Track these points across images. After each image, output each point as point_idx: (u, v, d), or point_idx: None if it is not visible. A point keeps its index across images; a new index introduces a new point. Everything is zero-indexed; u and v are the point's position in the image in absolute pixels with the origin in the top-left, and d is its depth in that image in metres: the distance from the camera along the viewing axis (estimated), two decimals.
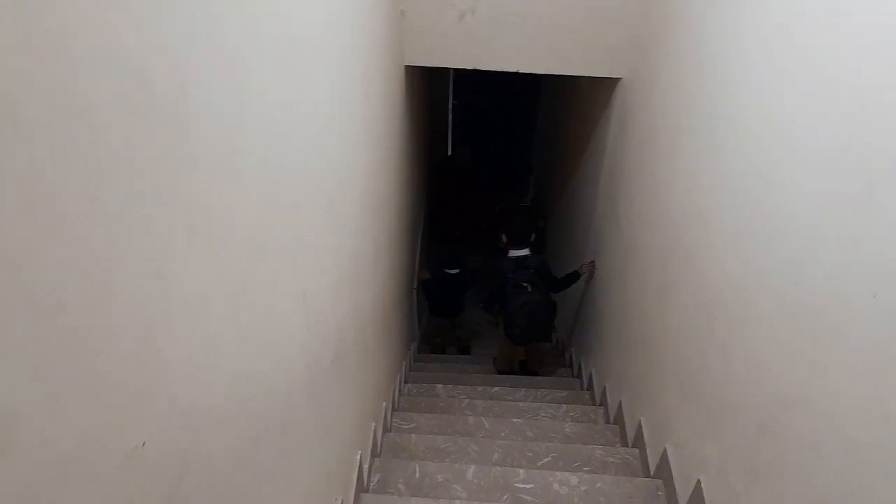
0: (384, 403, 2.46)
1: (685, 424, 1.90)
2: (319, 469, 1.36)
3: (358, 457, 1.84)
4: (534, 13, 2.80)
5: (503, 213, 5.81)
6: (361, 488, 1.88)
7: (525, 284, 3.19)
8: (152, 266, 0.57)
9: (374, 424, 2.16)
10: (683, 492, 1.86)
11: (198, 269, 0.66)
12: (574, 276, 3.44)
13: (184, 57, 0.61)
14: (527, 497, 2.00)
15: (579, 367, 3.59)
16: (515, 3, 2.79)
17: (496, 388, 3.29)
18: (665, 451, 2.03)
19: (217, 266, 0.72)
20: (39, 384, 0.43)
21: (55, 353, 0.44)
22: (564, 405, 2.98)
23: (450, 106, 7.16)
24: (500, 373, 3.83)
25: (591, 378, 3.25)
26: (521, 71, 2.98)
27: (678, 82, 2.16)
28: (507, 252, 3.38)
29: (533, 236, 3.41)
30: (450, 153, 7.20)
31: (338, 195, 1.42)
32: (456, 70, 6.80)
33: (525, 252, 3.34)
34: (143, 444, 0.57)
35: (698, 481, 1.74)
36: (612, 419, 2.73)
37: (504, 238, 3.39)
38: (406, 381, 3.39)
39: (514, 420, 2.71)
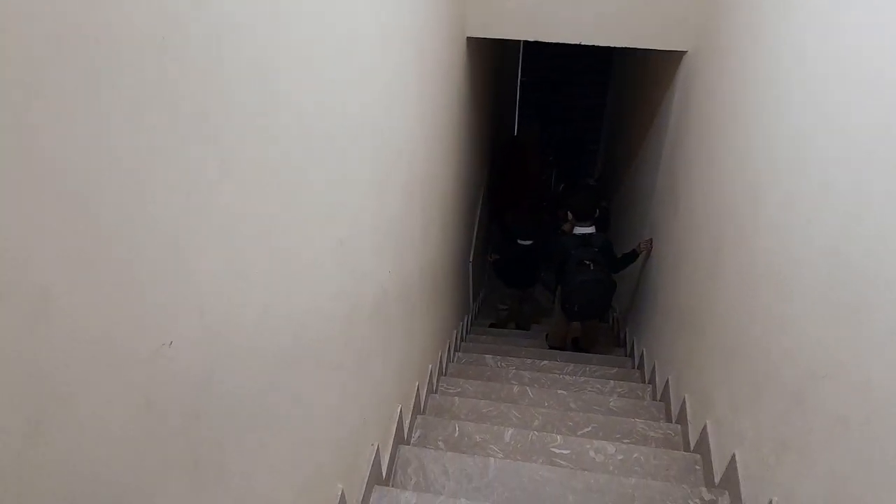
0: (430, 366, 2.54)
1: (725, 400, 1.89)
2: (355, 411, 1.44)
3: (398, 410, 1.93)
4: None
5: (567, 192, 5.76)
6: (401, 440, 1.98)
7: (588, 262, 3.18)
8: (182, 186, 0.64)
9: (417, 383, 2.25)
10: (720, 465, 1.85)
11: (227, 198, 0.74)
12: (633, 255, 3.41)
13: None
14: (562, 462, 2.04)
15: (632, 346, 3.57)
16: None
17: (545, 362, 3.32)
18: (705, 426, 2.03)
19: (247, 200, 0.79)
20: (72, 269, 0.51)
21: (87, 244, 0.52)
22: (612, 381, 2.98)
23: (518, 82, 7.12)
24: (551, 348, 3.86)
25: (642, 356, 3.24)
26: (584, 43, 2.95)
27: (735, 58, 2.11)
28: (571, 229, 3.38)
29: (597, 213, 3.39)
30: (516, 131, 7.17)
31: (383, 154, 1.48)
32: (526, 45, 6.77)
33: (590, 230, 3.33)
34: (171, 344, 0.65)
35: (733, 455, 1.74)
36: (658, 396, 2.72)
37: (569, 215, 3.40)
38: (457, 350, 3.47)
39: (560, 391, 2.74)
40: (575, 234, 3.31)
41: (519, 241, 4.00)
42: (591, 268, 3.16)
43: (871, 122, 1.16)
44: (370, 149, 1.37)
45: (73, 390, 0.52)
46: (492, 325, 4.79)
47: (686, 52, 2.90)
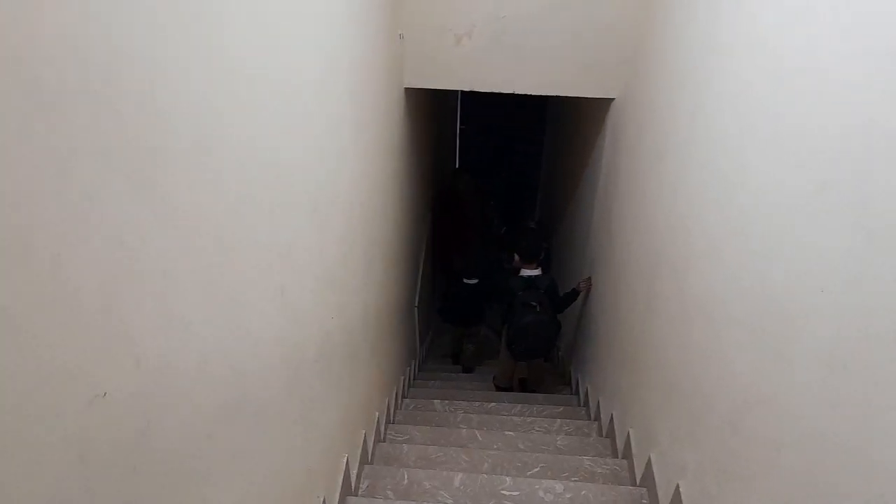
0: (377, 413, 2.50)
1: (667, 432, 1.93)
2: (299, 462, 1.41)
3: (345, 460, 1.89)
4: (529, 37, 2.90)
5: (508, 235, 5.89)
6: (349, 491, 1.93)
7: (534, 304, 3.25)
8: (114, 234, 0.64)
9: (364, 432, 2.21)
10: (665, 498, 1.88)
11: (162, 246, 0.73)
12: (573, 294, 3.50)
13: (154, 58, 0.69)
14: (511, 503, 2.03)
15: (577, 384, 3.61)
16: (511, 27, 2.88)
17: (493, 404, 3.33)
18: (650, 459, 2.06)
19: (184, 247, 0.79)
20: (5, 318, 0.49)
21: (16, 289, 0.51)
22: (559, 420, 3.00)
23: (457, 130, 7.28)
24: (499, 389, 3.87)
25: (587, 394, 3.28)
26: (517, 92, 3.07)
27: (662, 101, 2.24)
28: (518, 271, 3.45)
29: (542, 254, 3.47)
30: (451, 180, 7.29)
31: (322, 202, 1.49)
32: (463, 93, 6.96)
33: (537, 272, 3.42)
34: (105, 395, 0.63)
35: (677, 486, 1.77)
36: (604, 433, 2.75)
37: (516, 257, 3.47)
38: (404, 397, 3.44)
39: (507, 433, 2.74)
40: (521, 276, 3.39)
41: (464, 280, 4.05)
42: (538, 309, 3.23)
43: (786, 172, 1.25)
44: (308, 196, 1.38)
45: (7, 442, 0.50)
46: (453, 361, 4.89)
47: (614, 98, 3.05)
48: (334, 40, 1.59)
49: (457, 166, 7.36)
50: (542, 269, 3.48)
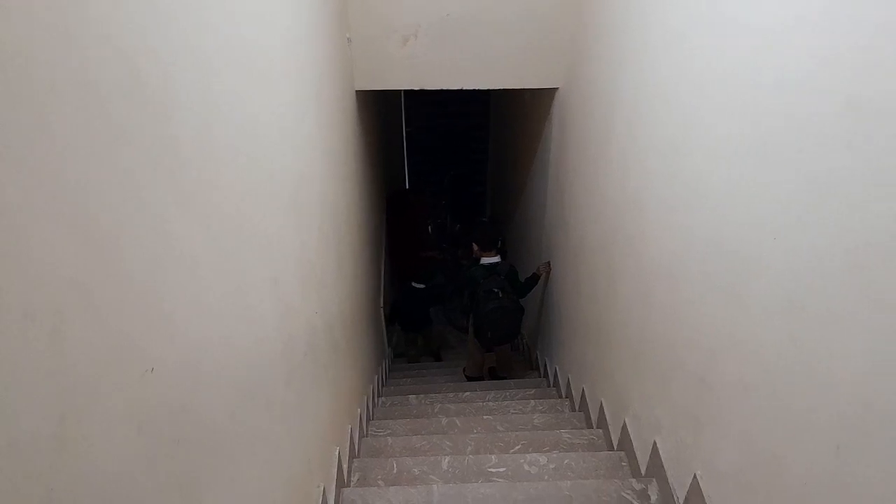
0: (358, 410, 2.55)
1: (638, 396, 2.04)
2: (301, 452, 1.45)
3: (336, 453, 1.93)
4: (473, 34, 2.99)
5: (463, 231, 5.99)
6: (343, 484, 1.97)
7: (496, 290, 3.35)
8: (152, 225, 0.69)
9: (350, 427, 2.25)
10: (643, 456, 1.99)
11: (188, 236, 0.78)
12: (534, 279, 3.61)
13: (170, 63, 0.74)
14: (500, 479, 2.11)
15: (545, 367, 3.73)
16: (455, 25, 2.97)
17: (467, 393, 3.41)
18: (624, 423, 2.18)
19: (202, 233, 0.84)
20: (78, 295, 0.54)
21: (88, 273, 0.56)
22: (533, 401, 3.11)
23: (403, 132, 7.35)
24: (469, 380, 3.95)
25: (555, 374, 3.40)
26: (464, 87, 3.16)
27: (605, 85, 2.36)
28: (478, 260, 3.55)
29: (500, 242, 3.58)
30: (406, 187, 7.36)
31: (300, 197, 1.54)
32: (407, 96, 7.04)
33: (496, 259, 3.52)
34: (153, 370, 0.68)
35: (654, 443, 1.88)
36: (577, 407, 2.87)
37: (475, 246, 3.57)
38: (379, 395, 3.48)
39: (486, 417, 2.82)
40: (482, 265, 3.49)
41: (413, 284, 4.18)
42: (500, 295, 3.33)
43: (731, 127, 1.37)
44: (288, 192, 1.43)
45: (86, 404, 0.55)
46: (408, 360, 4.97)
47: (558, 88, 3.18)
48: (300, 47, 1.64)
49: (405, 173, 7.44)
50: (501, 257, 3.59)
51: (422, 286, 4.21)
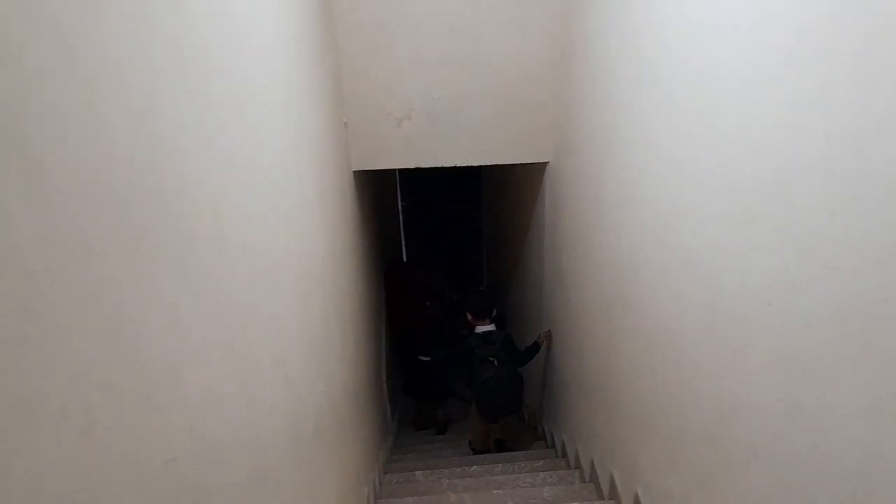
0: (365, 489, 2.50)
1: (649, 464, 2.02)
2: None
3: None
4: (464, 114, 3.12)
5: (461, 301, 5.99)
6: None
7: (491, 359, 3.32)
8: (169, 317, 0.72)
9: None
10: None
11: (200, 325, 0.82)
12: (535, 348, 3.59)
13: (185, 170, 0.80)
14: None
15: (552, 437, 3.68)
16: (446, 106, 3.11)
17: (475, 467, 3.34)
18: (636, 494, 2.14)
19: (215, 323, 0.87)
20: (104, 390, 0.57)
21: (118, 371, 0.59)
22: (542, 473, 3.05)
23: (399, 207, 7.49)
24: (476, 453, 3.89)
25: (563, 444, 3.35)
26: (457, 164, 3.27)
27: (594, 156, 2.46)
28: (472, 329, 3.53)
29: (494, 311, 3.59)
30: (403, 259, 7.43)
31: (303, 278, 1.58)
32: (401, 172, 7.21)
33: (490, 327, 3.50)
34: (175, 460, 0.70)
35: None
36: (587, 478, 2.82)
37: (469, 315, 3.57)
38: (386, 472, 3.42)
39: (495, 491, 2.77)
40: (476, 333, 3.48)
41: (419, 357, 4.16)
42: (495, 363, 3.30)
43: (724, 189, 1.43)
44: (292, 273, 1.47)
45: (114, 497, 0.57)
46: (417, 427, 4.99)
47: (548, 161, 3.30)
48: (303, 141, 1.73)
49: (402, 245, 7.52)
50: (496, 325, 3.57)
51: (427, 358, 4.22)
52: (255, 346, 1.08)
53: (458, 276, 7.43)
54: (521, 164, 3.59)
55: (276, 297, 1.27)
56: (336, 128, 2.69)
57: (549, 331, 3.54)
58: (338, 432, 1.93)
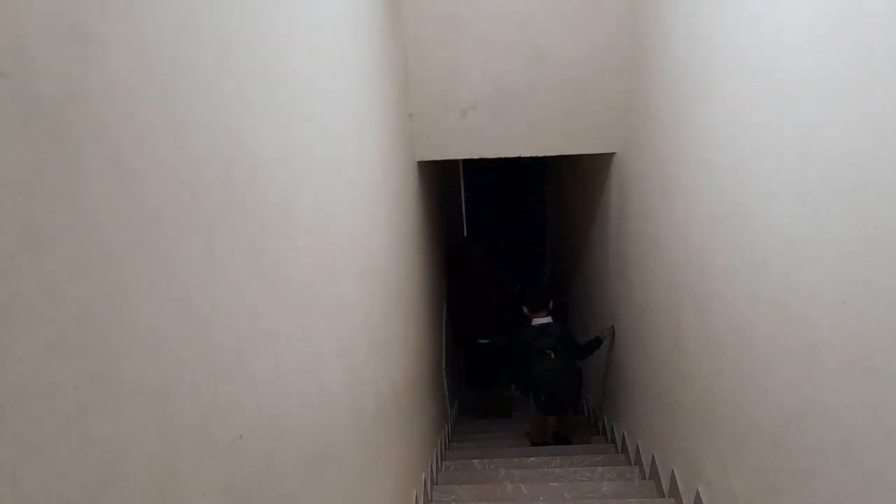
0: (423, 474, 2.55)
1: (711, 463, 1.98)
2: None
3: None
4: (527, 104, 3.10)
5: (522, 293, 5.98)
6: None
7: (548, 352, 3.31)
8: (242, 303, 0.77)
9: (415, 491, 2.26)
10: None
11: (269, 311, 0.86)
12: (596, 343, 3.55)
13: (261, 160, 0.84)
14: None
15: (612, 432, 3.64)
16: (512, 97, 3.10)
17: (532, 458, 3.34)
18: (698, 492, 2.10)
19: (281, 311, 0.91)
20: (178, 370, 0.61)
21: (188, 349, 0.63)
22: (600, 468, 3.02)
23: (462, 198, 7.51)
24: (534, 445, 3.89)
25: (623, 439, 3.31)
26: (522, 155, 3.25)
27: (665, 148, 2.40)
28: (530, 321, 3.54)
29: (551, 303, 3.57)
30: (464, 247, 7.43)
31: (366, 267, 1.63)
32: (465, 164, 7.23)
33: (547, 320, 3.50)
34: (241, 437, 0.74)
35: None
36: (647, 475, 2.78)
37: (525, 309, 3.58)
38: (444, 459, 3.46)
39: (552, 484, 2.77)
40: (533, 326, 3.47)
41: (478, 341, 4.16)
42: (552, 356, 3.29)
43: (797, 186, 1.38)
44: (357, 263, 1.51)
45: (185, 469, 0.61)
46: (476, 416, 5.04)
47: (615, 152, 3.24)
48: (369, 124, 1.77)
49: (465, 234, 7.53)
50: (554, 318, 3.55)
51: (486, 341, 4.24)
52: (319, 333, 1.12)
53: (520, 268, 7.40)
54: (587, 156, 3.54)
55: (341, 285, 1.31)
56: (402, 119, 2.73)
57: (612, 326, 3.49)
58: (397, 419, 1.98)
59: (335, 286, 1.26)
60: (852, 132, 1.12)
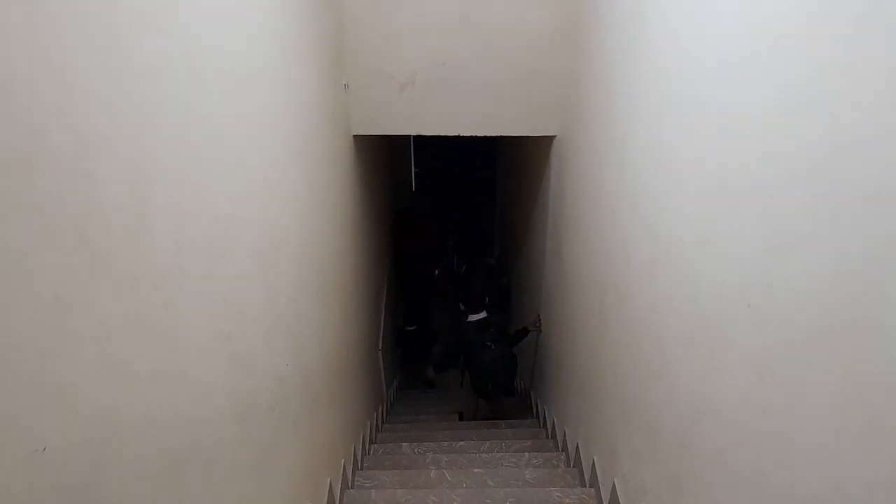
0: (342, 460, 2.48)
1: (627, 456, 1.96)
2: None
3: None
4: (470, 81, 3.01)
5: (467, 274, 5.97)
6: None
7: (489, 343, 3.47)
8: (51, 287, 0.66)
9: (329, 479, 2.19)
10: None
11: (99, 298, 0.76)
12: (524, 332, 3.73)
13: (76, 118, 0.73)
14: None
15: (544, 415, 3.64)
16: (452, 72, 2.99)
17: (462, 443, 3.32)
18: (614, 484, 2.09)
19: (123, 299, 0.81)
20: None
21: None
22: (528, 453, 3.01)
23: (412, 173, 7.39)
24: (462, 420, 4.03)
25: (553, 425, 3.30)
26: (461, 133, 3.17)
27: (595, 137, 2.35)
28: (466, 317, 3.70)
29: (487, 300, 3.75)
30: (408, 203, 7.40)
31: (268, 249, 1.52)
32: (416, 139, 7.09)
33: (483, 315, 3.67)
34: (44, 449, 0.65)
35: None
36: (572, 462, 2.77)
37: (461, 306, 3.78)
38: (373, 442, 3.41)
39: (476, 470, 2.73)
40: (470, 322, 3.65)
41: (405, 328, 4.88)
42: (492, 347, 3.46)
43: (712, 178, 1.33)
44: (252, 244, 1.40)
45: None
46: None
47: (555, 136, 3.18)
48: (282, 88, 1.65)
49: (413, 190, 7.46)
50: (489, 311, 3.74)
51: (412, 328, 4.59)
52: (185, 319, 1.02)
53: (469, 246, 7.35)
54: (530, 138, 3.49)
55: (223, 267, 1.21)
56: (335, 87, 2.60)
57: (538, 316, 3.62)
58: (307, 405, 1.89)
59: (213, 268, 1.15)
60: (765, 115, 1.07)
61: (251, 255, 1.39)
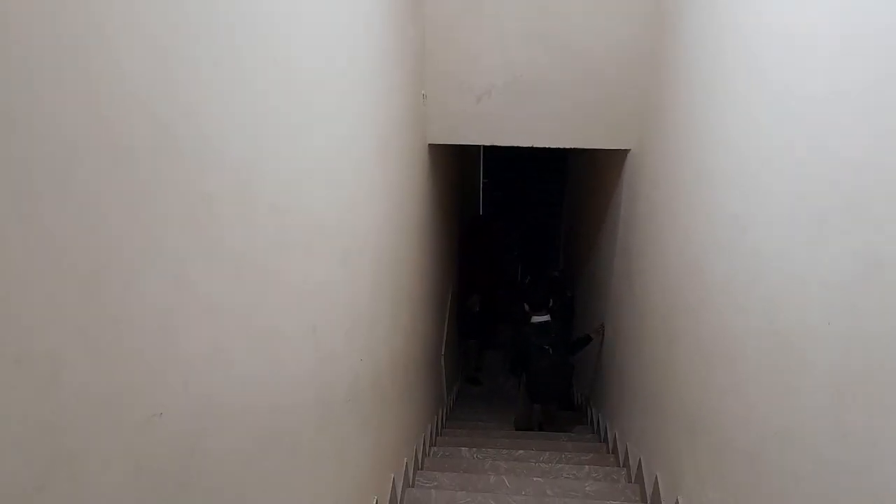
0: (405, 459, 2.54)
1: (692, 473, 1.94)
2: (330, 499, 1.47)
3: (374, 501, 1.93)
4: (545, 94, 3.04)
5: (531, 285, 5.97)
6: None
7: (547, 347, 3.52)
8: (170, 273, 0.74)
9: (393, 475, 2.25)
10: None
11: (210, 285, 0.83)
12: (586, 340, 3.75)
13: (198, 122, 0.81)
14: None
15: (605, 429, 3.60)
16: (528, 85, 3.03)
17: (521, 451, 3.33)
18: (677, 501, 2.06)
19: (228, 286, 0.89)
20: (79, 340, 0.59)
21: (91, 319, 0.60)
22: (588, 466, 2.99)
23: (481, 183, 7.45)
24: (518, 430, 4.02)
25: (615, 439, 3.27)
26: (534, 145, 3.20)
27: (674, 152, 2.33)
28: (529, 319, 3.70)
29: (551, 302, 3.76)
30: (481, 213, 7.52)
31: (353, 249, 1.60)
32: (485, 150, 7.16)
33: (546, 318, 3.68)
34: (161, 415, 0.72)
35: None
36: (633, 478, 2.74)
37: (526, 306, 3.76)
38: (433, 445, 3.46)
39: (536, 479, 2.74)
40: (533, 323, 3.67)
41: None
42: (551, 352, 3.52)
43: (784, 211, 1.32)
44: (341, 243, 1.48)
45: (78, 448, 0.59)
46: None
47: (629, 149, 3.16)
48: (369, 97, 1.74)
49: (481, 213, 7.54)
50: (552, 316, 3.77)
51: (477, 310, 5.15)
52: (279, 310, 1.10)
53: (533, 257, 7.34)
54: (602, 151, 3.48)
55: (314, 264, 1.29)
56: (414, 98, 2.68)
57: (602, 325, 3.61)
58: (377, 401, 1.96)
59: (305, 265, 1.23)
60: (861, 149, 1.06)
61: (339, 256, 1.47)
